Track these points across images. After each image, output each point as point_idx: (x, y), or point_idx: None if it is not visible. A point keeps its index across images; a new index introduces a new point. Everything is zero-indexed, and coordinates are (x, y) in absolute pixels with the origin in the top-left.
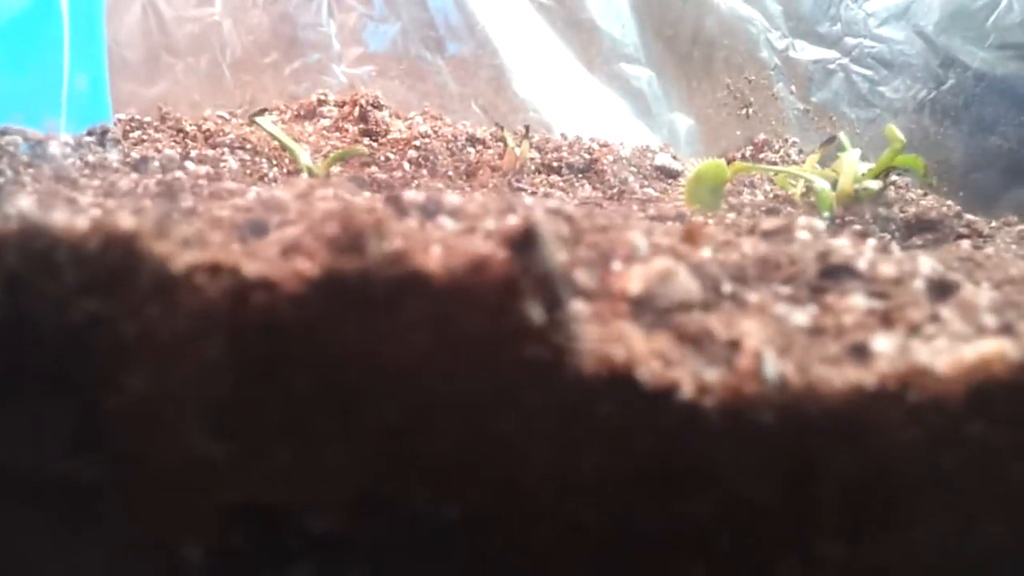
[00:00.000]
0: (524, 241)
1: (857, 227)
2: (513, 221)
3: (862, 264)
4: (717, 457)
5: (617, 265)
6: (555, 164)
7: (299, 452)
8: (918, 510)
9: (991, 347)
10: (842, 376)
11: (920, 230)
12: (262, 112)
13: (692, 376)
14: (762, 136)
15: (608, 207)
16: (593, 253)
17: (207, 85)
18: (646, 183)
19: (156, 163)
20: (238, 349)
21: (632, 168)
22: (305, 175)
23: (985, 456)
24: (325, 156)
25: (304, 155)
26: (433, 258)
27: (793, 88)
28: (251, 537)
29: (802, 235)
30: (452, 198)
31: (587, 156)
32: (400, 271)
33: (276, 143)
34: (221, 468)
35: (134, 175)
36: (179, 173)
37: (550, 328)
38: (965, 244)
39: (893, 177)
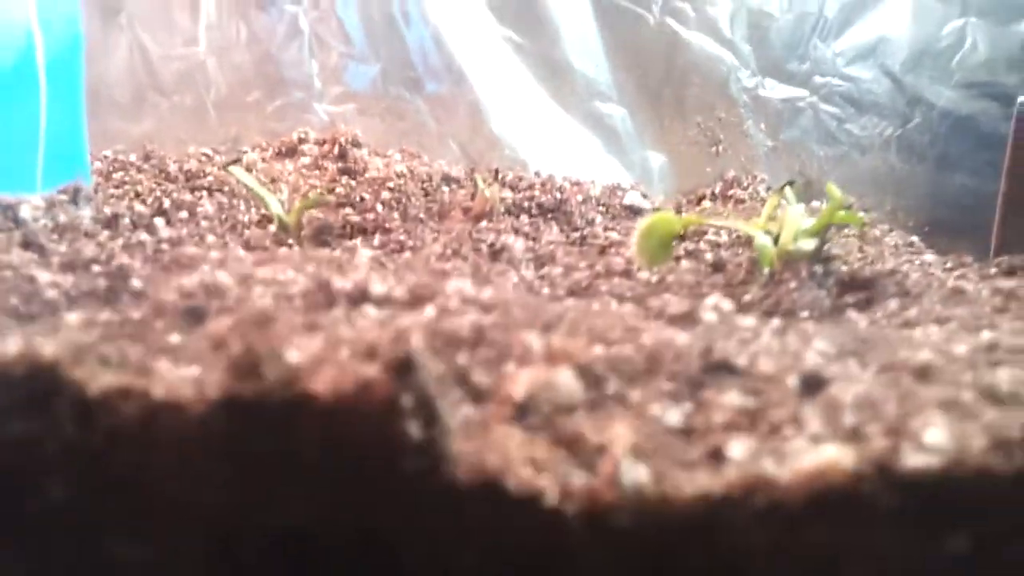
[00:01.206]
0: (404, 367)
1: (792, 284)
2: (400, 344)
3: (742, 360)
4: (579, 557)
5: (510, 367)
6: (526, 204)
7: (204, 554)
8: None
9: (829, 456)
10: (694, 483)
11: (853, 288)
12: (236, 161)
13: (558, 483)
14: (732, 173)
15: (561, 260)
16: (493, 352)
17: (192, 122)
18: (613, 224)
19: (127, 220)
20: (150, 461)
21: (601, 208)
22: (276, 223)
23: (824, 557)
24: (304, 195)
25: (275, 204)
26: (323, 380)
27: (763, 126)
28: None
29: (708, 316)
30: (378, 287)
31: (558, 195)
32: (292, 393)
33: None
34: (131, 568)
35: (104, 234)
36: (145, 235)
37: (427, 443)
38: (893, 304)
39: (861, 214)
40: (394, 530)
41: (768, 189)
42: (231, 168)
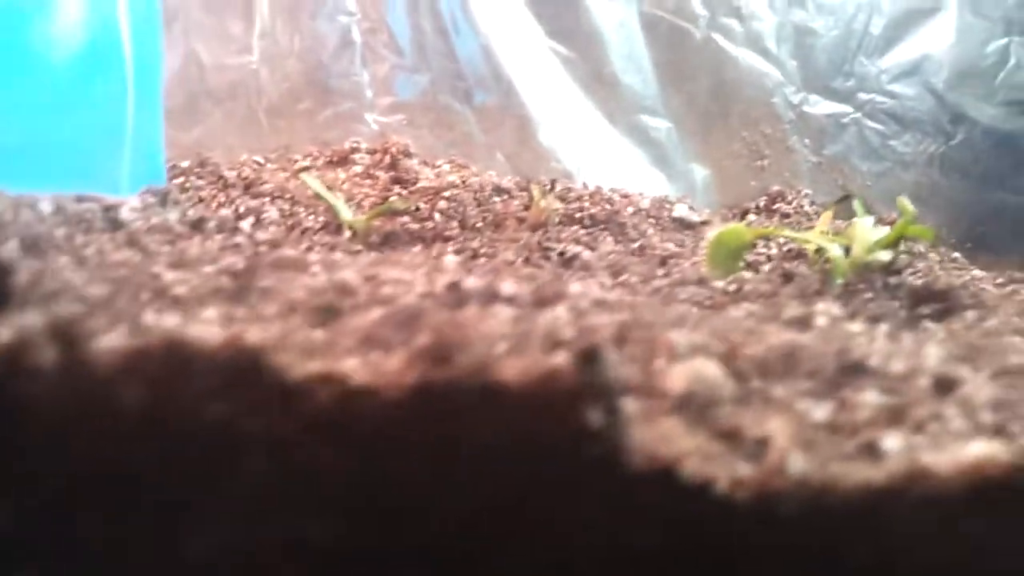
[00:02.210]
0: (589, 357)
1: (868, 295)
2: (575, 336)
3: (875, 361)
4: (748, 544)
5: (660, 364)
6: (578, 215)
7: (388, 530)
8: None
9: (985, 449)
10: (856, 473)
11: (927, 300)
12: (308, 169)
13: (727, 471)
14: (776, 187)
15: (633, 268)
16: (640, 349)
17: (243, 130)
18: (665, 236)
19: (212, 223)
20: (344, 445)
21: (651, 220)
22: (348, 230)
23: (983, 548)
24: (358, 203)
25: (345, 210)
26: (511, 369)
27: (807, 141)
28: None
29: (820, 321)
30: (508, 286)
31: (608, 207)
32: (483, 381)
33: (311, 192)
34: (313, 546)
35: (197, 238)
36: (239, 238)
37: (608, 430)
38: (970, 315)
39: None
40: (572, 518)
41: (812, 204)
42: (303, 175)
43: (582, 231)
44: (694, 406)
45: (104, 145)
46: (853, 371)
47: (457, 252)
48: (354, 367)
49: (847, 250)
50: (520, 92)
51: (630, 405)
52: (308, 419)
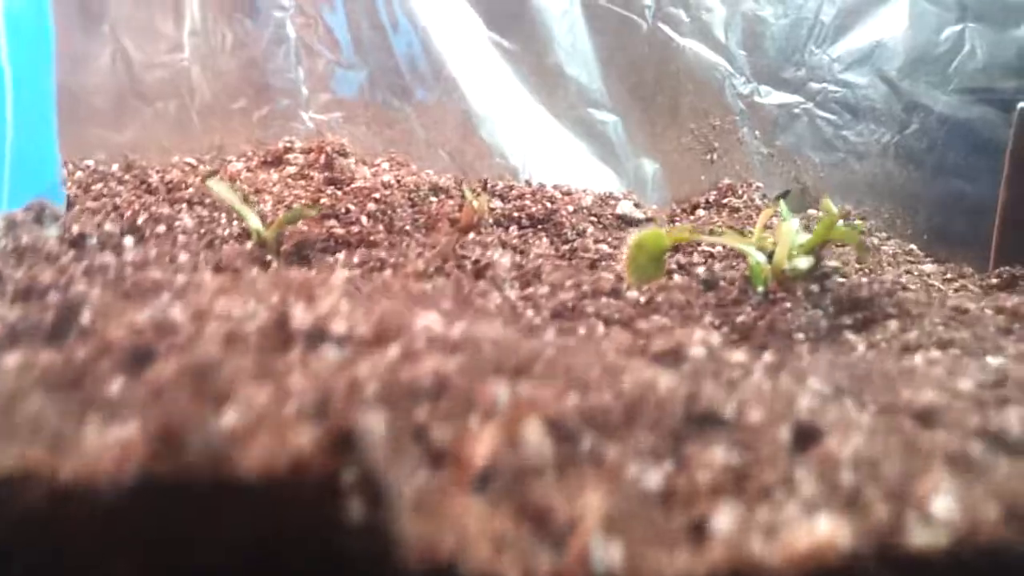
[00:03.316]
0: (345, 441)
1: (787, 304)
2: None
3: (729, 410)
4: None
5: (474, 422)
6: (515, 215)
7: None
8: None
9: (824, 533)
10: (673, 566)
11: (851, 308)
12: (215, 173)
13: (521, 565)
14: (727, 181)
15: (546, 277)
16: (456, 404)
17: (176, 130)
18: (604, 235)
19: (94, 240)
20: (59, 554)
21: (592, 218)
22: (255, 237)
23: None
24: (288, 205)
25: (254, 219)
26: (252, 459)
27: (758, 133)
28: None
29: (696, 351)
30: (339, 326)
31: (548, 205)
32: (217, 475)
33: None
34: None
35: (69, 255)
36: (110, 257)
37: (372, 525)
38: (893, 325)
39: (858, 222)
40: None
41: (763, 197)
42: (209, 182)
43: (516, 232)
44: (503, 477)
45: None
46: (704, 422)
47: (363, 262)
48: (73, 455)
49: (771, 256)
50: (462, 87)
51: (422, 479)
52: (11, 525)
